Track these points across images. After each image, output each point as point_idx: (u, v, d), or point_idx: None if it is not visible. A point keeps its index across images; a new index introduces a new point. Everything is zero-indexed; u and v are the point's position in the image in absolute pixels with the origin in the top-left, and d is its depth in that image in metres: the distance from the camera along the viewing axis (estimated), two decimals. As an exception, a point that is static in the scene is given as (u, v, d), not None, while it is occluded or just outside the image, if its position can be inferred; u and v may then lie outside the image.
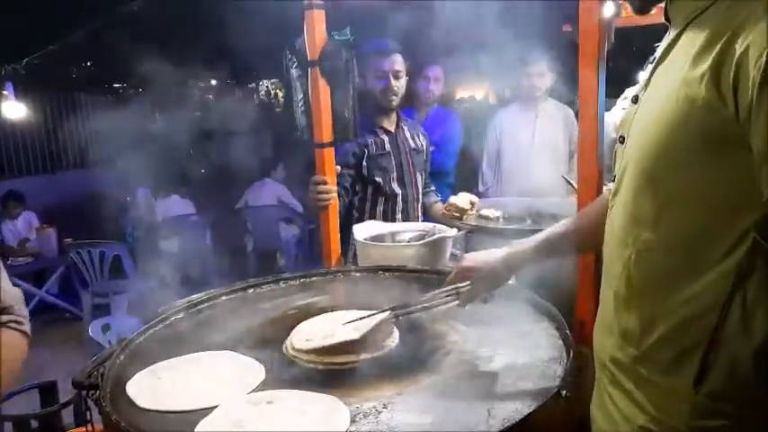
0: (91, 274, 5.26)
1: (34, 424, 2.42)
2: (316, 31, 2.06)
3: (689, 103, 0.90)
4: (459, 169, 3.83)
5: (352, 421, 1.09)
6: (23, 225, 6.19)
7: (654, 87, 1.03)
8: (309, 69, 2.07)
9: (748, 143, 0.85)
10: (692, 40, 0.93)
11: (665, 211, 0.98)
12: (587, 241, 1.41)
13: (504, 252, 1.42)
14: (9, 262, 5.28)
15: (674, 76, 0.95)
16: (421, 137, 2.79)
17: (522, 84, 3.56)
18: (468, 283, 1.41)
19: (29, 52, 5.50)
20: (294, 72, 2.08)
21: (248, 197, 6.69)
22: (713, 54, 0.87)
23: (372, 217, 2.55)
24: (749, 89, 0.82)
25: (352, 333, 1.37)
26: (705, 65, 0.88)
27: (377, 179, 2.55)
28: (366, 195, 2.59)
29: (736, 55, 0.84)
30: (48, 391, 2.61)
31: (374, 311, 1.43)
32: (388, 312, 1.42)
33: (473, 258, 1.46)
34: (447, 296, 1.42)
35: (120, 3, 4.59)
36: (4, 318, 1.36)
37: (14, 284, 1.46)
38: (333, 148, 2.18)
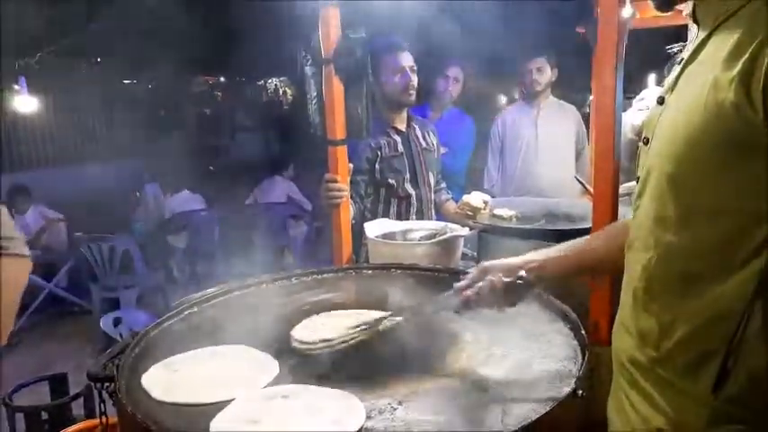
0: (100, 267, 5.28)
1: (45, 415, 2.45)
2: (330, 29, 2.07)
3: (717, 107, 0.90)
4: (470, 169, 3.84)
5: (368, 417, 1.09)
6: (33, 218, 6.21)
7: (681, 89, 1.02)
8: (323, 67, 2.07)
9: None
10: (723, 42, 0.92)
11: (688, 214, 0.98)
12: (600, 264, 1.38)
13: (521, 260, 1.36)
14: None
15: (702, 78, 0.94)
16: (431, 135, 2.78)
17: (522, 80, 3.58)
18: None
19: (42, 47, 5.53)
20: (308, 70, 2.09)
21: (258, 194, 6.71)
22: (744, 58, 0.87)
23: (386, 216, 2.55)
24: None
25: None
26: (735, 69, 0.87)
27: (390, 181, 2.55)
28: (379, 197, 2.59)
29: (767, 61, 0.83)
30: (58, 384, 2.64)
31: (383, 315, 1.42)
32: (398, 318, 1.41)
33: (491, 264, 1.39)
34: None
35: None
36: None
37: None
38: (345, 147, 2.19)
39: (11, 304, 1.19)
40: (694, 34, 1.04)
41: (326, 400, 1.14)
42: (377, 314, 1.46)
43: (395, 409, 1.13)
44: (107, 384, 1.26)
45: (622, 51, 1.53)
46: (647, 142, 1.10)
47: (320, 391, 1.18)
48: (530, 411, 1.10)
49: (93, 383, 1.29)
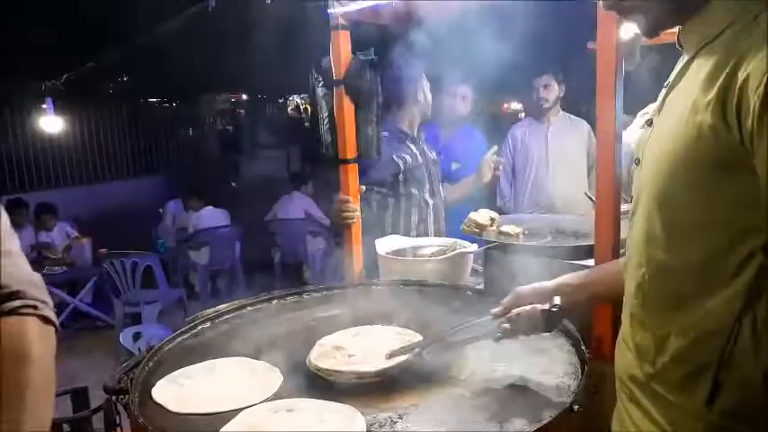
0: (123, 283, 5.40)
1: (66, 428, 2.51)
2: (341, 51, 2.13)
3: (697, 129, 0.93)
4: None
5: (369, 431, 1.13)
6: (59, 236, 6.37)
7: (666, 112, 1.06)
8: (334, 88, 2.13)
9: (754, 167, 0.88)
10: (702, 66, 0.96)
11: (675, 232, 1.01)
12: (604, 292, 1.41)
13: (554, 286, 1.37)
14: (45, 271, 5.44)
15: (684, 101, 0.97)
16: (430, 148, 2.83)
17: (530, 97, 3.61)
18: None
19: (67, 69, 5.71)
20: (320, 90, 2.15)
21: (277, 210, 6.79)
22: (719, 81, 0.90)
23: (407, 228, 2.58)
24: (750, 116, 0.84)
25: (372, 364, 1.38)
26: (712, 92, 0.91)
27: (413, 191, 2.58)
28: (400, 208, 2.62)
29: (739, 82, 0.86)
30: (79, 397, 2.70)
31: (409, 345, 1.44)
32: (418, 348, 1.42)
33: (524, 291, 1.39)
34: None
35: (154, 22, 4.75)
36: (17, 303, 1.07)
37: (49, 292, 1.17)
38: (356, 166, 2.24)
39: (51, 368, 1.08)
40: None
41: (329, 413, 1.18)
42: (399, 338, 1.49)
43: (395, 423, 1.16)
44: (121, 397, 1.32)
45: (621, 67, 1.55)
46: (638, 163, 1.14)
47: (323, 404, 1.22)
48: (526, 426, 1.12)
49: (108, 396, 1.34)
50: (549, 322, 1.33)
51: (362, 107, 2.16)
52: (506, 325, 1.36)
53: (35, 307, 1.08)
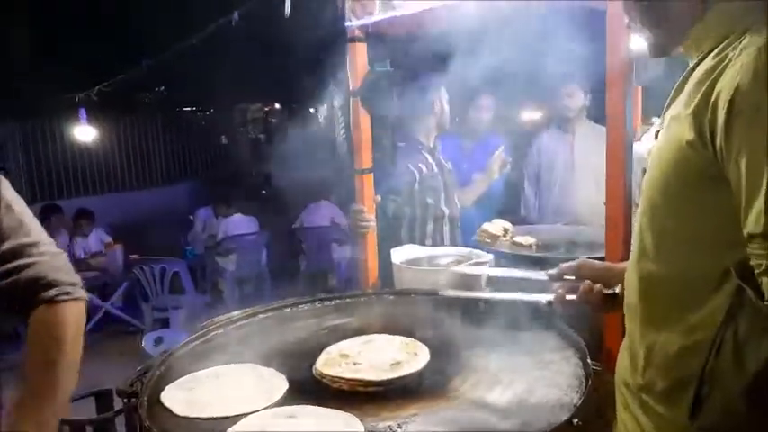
0: (152, 288, 5.51)
1: (89, 429, 2.58)
2: (357, 63, 2.16)
3: (678, 142, 0.94)
4: (505, 195, 3.84)
5: (366, 439, 1.15)
6: (95, 241, 6.55)
7: (666, 124, 1.06)
8: (351, 99, 2.17)
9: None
10: (693, 80, 0.96)
11: (663, 245, 1.01)
12: None
13: (620, 270, 1.29)
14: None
15: (675, 114, 0.98)
16: (446, 159, 2.84)
17: (555, 106, 3.58)
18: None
19: (100, 80, 5.90)
20: (336, 101, 2.18)
21: (304, 218, 6.85)
22: (698, 96, 0.90)
23: (422, 237, 2.59)
24: (719, 131, 0.85)
25: (376, 373, 1.39)
26: (690, 107, 0.91)
27: (429, 200, 2.59)
28: (415, 217, 2.63)
29: (713, 98, 0.87)
30: (103, 399, 2.78)
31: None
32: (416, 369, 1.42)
33: (591, 264, 1.37)
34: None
35: (186, 34, 4.87)
36: (53, 292, 1.26)
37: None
38: (372, 176, 2.26)
39: (80, 345, 1.32)
40: None
41: (329, 420, 1.20)
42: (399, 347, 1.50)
43: (393, 432, 1.17)
44: (133, 400, 1.36)
45: (632, 77, 1.55)
46: (644, 173, 1.14)
47: (325, 412, 1.24)
48: (524, 439, 1.13)
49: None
50: (604, 304, 1.29)
51: (378, 118, 2.18)
52: (561, 291, 1.33)
53: (69, 292, 1.28)
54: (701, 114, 0.89)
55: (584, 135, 3.62)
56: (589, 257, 1.82)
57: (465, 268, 2.08)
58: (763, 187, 0.81)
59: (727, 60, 0.89)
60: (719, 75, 0.88)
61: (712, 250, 0.94)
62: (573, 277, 1.34)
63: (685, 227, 0.97)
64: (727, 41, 0.94)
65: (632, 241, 1.14)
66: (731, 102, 0.83)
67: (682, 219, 0.97)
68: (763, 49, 0.84)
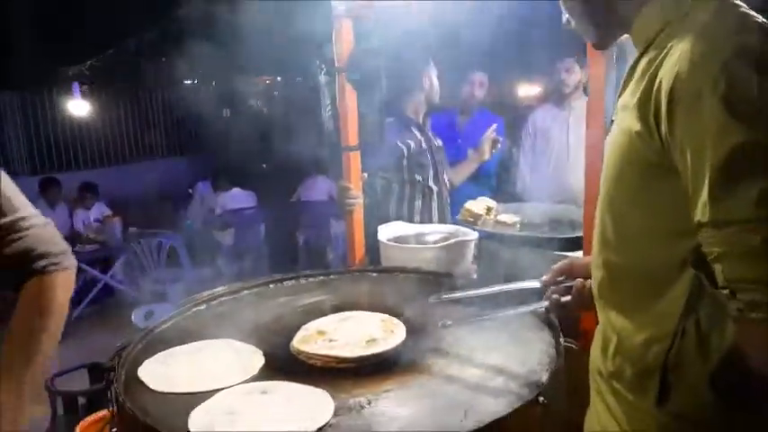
0: (149, 262, 5.55)
1: (81, 400, 2.63)
2: (343, 39, 2.14)
3: (627, 132, 0.93)
4: (501, 171, 3.83)
5: (336, 414, 1.16)
6: (95, 214, 6.58)
7: (617, 113, 1.05)
8: (337, 75, 2.15)
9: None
10: (639, 68, 0.96)
11: (622, 235, 1.02)
12: None
13: None
14: (77, 248, 5.63)
15: (624, 103, 0.98)
16: (435, 135, 2.82)
17: (552, 81, 3.55)
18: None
19: (99, 52, 5.86)
20: (322, 78, 2.17)
21: (301, 192, 6.86)
22: (642, 84, 0.90)
23: (410, 214, 2.60)
24: (663, 119, 0.84)
25: (352, 350, 1.41)
26: (636, 97, 0.91)
27: (417, 177, 2.59)
28: (404, 194, 2.63)
29: (655, 87, 0.86)
30: (96, 371, 2.82)
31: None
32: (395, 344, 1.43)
33: (578, 263, 1.36)
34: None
35: (182, 6, 4.82)
36: (42, 263, 1.34)
37: (80, 270, 1.50)
38: (359, 153, 2.26)
39: (65, 312, 1.41)
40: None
41: (301, 396, 1.22)
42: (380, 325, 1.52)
43: (362, 408, 1.19)
44: (112, 374, 1.38)
45: (613, 55, 1.54)
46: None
47: (298, 388, 1.25)
48: (491, 414, 1.14)
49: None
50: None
51: (365, 94, 2.17)
52: (556, 296, 1.33)
53: (57, 263, 1.37)
54: (646, 104, 0.88)
55: (580, 112, 3.58)
56: (571, 237, 1.84)
57: (450, 246, 2.09)
58: (707, 175, 0.80)
59: (668, 48, 0.88)
60: (661, 63, 0.87)
61: (669, 240, 0.94)
62: (564, 277, 1.34)
63: (641, 217, 0.97)
64: (669, 29, 0.93)
65: (594, 232, 1.13)
66: (671, 90, 0.82)
67: (637, 209, 0.97)
68: (700, 35, 0.83)
